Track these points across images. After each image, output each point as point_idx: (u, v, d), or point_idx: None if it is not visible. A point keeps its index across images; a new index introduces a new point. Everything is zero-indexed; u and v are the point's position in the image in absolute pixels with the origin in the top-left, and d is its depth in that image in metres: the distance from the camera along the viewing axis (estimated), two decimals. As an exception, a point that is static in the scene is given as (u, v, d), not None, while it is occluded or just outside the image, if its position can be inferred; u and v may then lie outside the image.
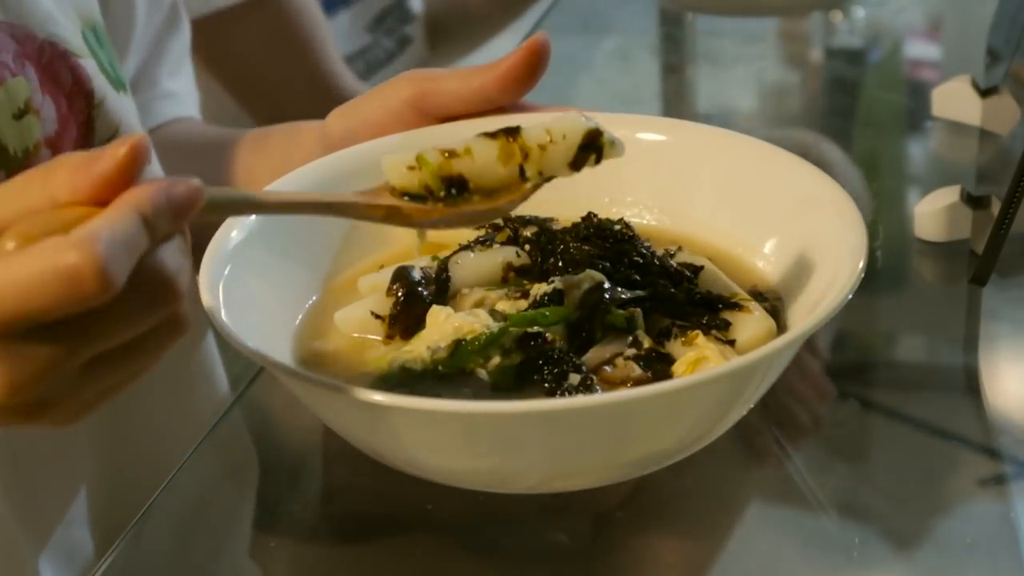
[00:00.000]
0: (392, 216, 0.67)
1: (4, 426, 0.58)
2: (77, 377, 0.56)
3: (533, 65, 0.78)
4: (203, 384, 0.97)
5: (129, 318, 0.55)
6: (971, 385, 0.88)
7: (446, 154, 0.67)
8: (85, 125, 0.85)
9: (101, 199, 0.55)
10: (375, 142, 0.81)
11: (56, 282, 0.52)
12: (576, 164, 0.67)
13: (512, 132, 0.67)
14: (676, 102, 1.35)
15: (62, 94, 0.83)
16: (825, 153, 1.15)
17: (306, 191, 0.77)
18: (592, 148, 0.67)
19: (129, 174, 0.55)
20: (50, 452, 0.85)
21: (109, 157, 0.54)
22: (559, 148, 0.67)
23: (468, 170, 0.67)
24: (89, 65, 0.85)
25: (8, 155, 0.81)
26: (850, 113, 1.31)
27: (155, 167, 0.91)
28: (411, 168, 0.67)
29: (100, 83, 0.86)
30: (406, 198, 0.67)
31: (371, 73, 1.48)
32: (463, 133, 0.81)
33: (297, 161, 0.80)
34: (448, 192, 0.67)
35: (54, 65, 0.83)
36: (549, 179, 0.68)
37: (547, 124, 0.67)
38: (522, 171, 0.67)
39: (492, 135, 0.67)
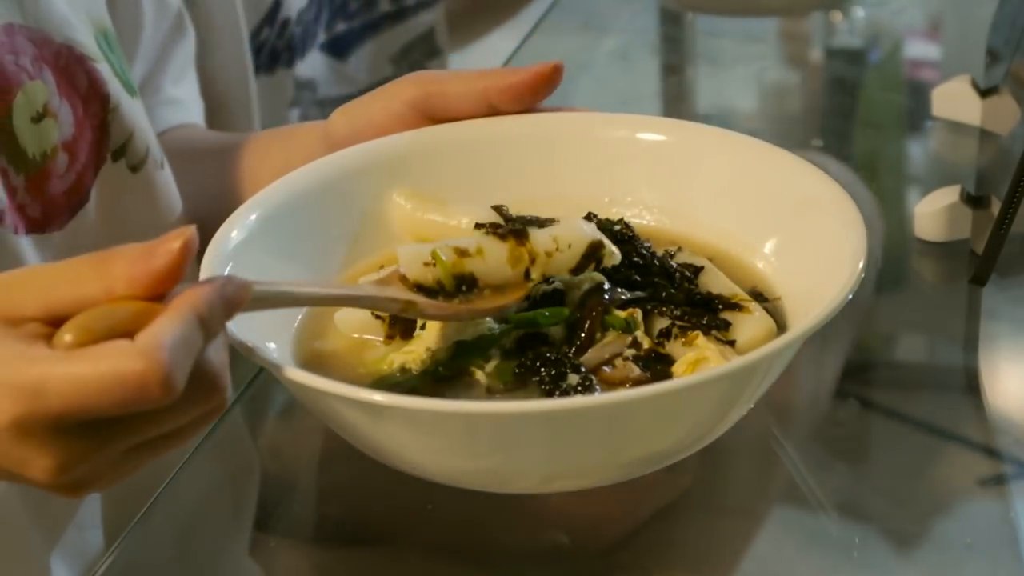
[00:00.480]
0: (409, 308, 0.70)
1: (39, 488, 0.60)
2: (119, 458, 0.58)
3: (539, 89, 0.80)
4: None
5: (177, 413, 0.57)
6: (971, 385, 0.88)
7: (459, 252, 0.70)
8: (100, 129, 0.86)
9: (157, 293, 0.57)
10: (379, 141, 0.82)
11: (121, 388, 0.54)
12: (577, 270, 0.72)
13: (520, 236, 0.71)
14: (676, 102, 1.35)
15: (78, 97, 0.84)
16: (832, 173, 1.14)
17: (310, 189, 0.78)
18: (593, 257, 0.72)
19: (183, 268, 0.57)
20: None
21: (165, 252, 0.56)
22: (564, 256, 0.71)
23: (478, 269, 0.71)
24: (104, 69, 0.85)
25: (27, 158, 0.81)
26: (850, 113, 1.31)
27: (166, 173, 0.91)
28: (426, 264, 0.70)
29: (115, 87, 0.86)
30: (416, 288, 0.70)
31: None
32: (463, 134, 0.82)
33: (297, 161, 0.81)
34: (458, 288, 0.70)
35: (71, 69, 0.83)
36: (550, 279, 0.72)
37: (554, 233, 0.71)
38: (527, 273, 0.71)
39: (502, 236, 0.71)
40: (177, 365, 0.54)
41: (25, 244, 0.81)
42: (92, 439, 0.56)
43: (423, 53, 1.45)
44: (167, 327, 0.55)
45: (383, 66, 1.42)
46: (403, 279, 0.70)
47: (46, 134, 0.82)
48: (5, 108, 0.79)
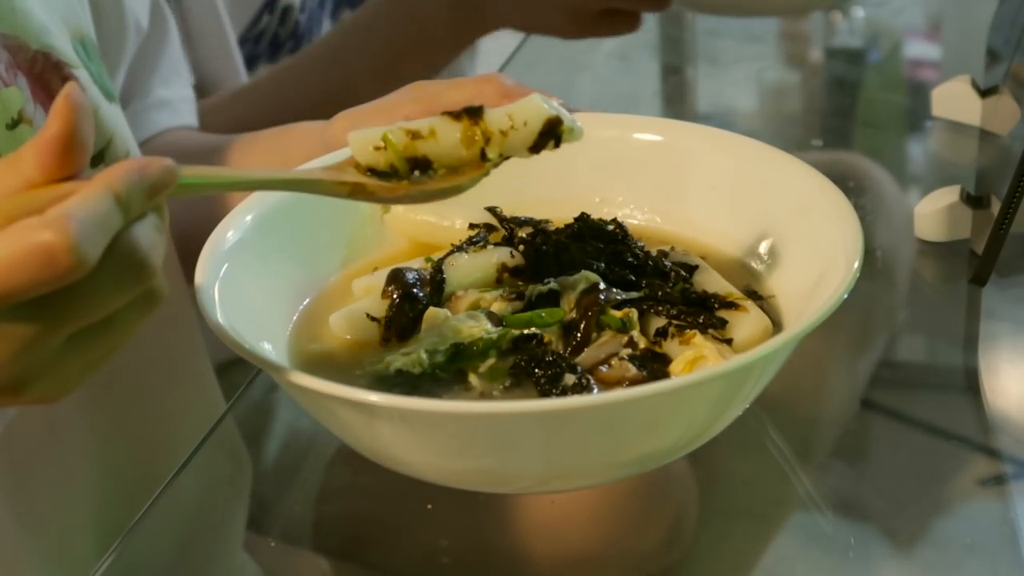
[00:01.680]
0: (357, 192, 0.67)
1: None
2: (57, 353, 0.57)
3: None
4: (196, 391, 0.97)
5: (104, 295, 0.56)
6: (971, 385, 0.88)
7: (411, 135, 0.68)
8: None
9: (69, 167, 0.56)
10: None
11: (31, 260, 0.53)
12: (536, 148, 0.68)
13: (475, 115, 0.68)
14: (676, 102, 1.35)
15: (52, 101, 0.84)
16: (869, 173, 1.14)
17: None
18: (552, 135, 0.68)
19: (75, 126, 0.55)
20: (49, 458, 0.85)
21: (53, 117, 0.55)
22: (520, 134, 0.68)
23: (432, 152, 0.68)
24: (82, 75, 0.85)
25: None
26: (850, 113, 1.31)
27: None
28: (377, 148, 0.68)
29: (93, 93, 0.86)
30: (370, 173, 0.67)
31: None
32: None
33: (296, 159, 0.80)
34: (412, 171, 0.68)
35: (46, 75, 0.83)
36: (508, 158, 0.69)
37: (509, 110, 0.68)
38: (483, 153, 0.68)
39: (456, 116, 0.68)
40: (86, 235, 0.53)
41: None
42: (22, 326, 0.55)
43: None
44: (76, 201, 0.54)
45: None
46: (357, 166, 0.68)
47: (21, 141, 0.81)
48: None
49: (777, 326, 0.72)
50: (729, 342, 0.71)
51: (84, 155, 0.56)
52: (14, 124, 0.81)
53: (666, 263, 0.75)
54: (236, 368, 0.86)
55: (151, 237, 0.57)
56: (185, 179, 0.59)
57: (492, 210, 0.79)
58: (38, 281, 0.54)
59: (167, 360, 0.94)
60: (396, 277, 0.74)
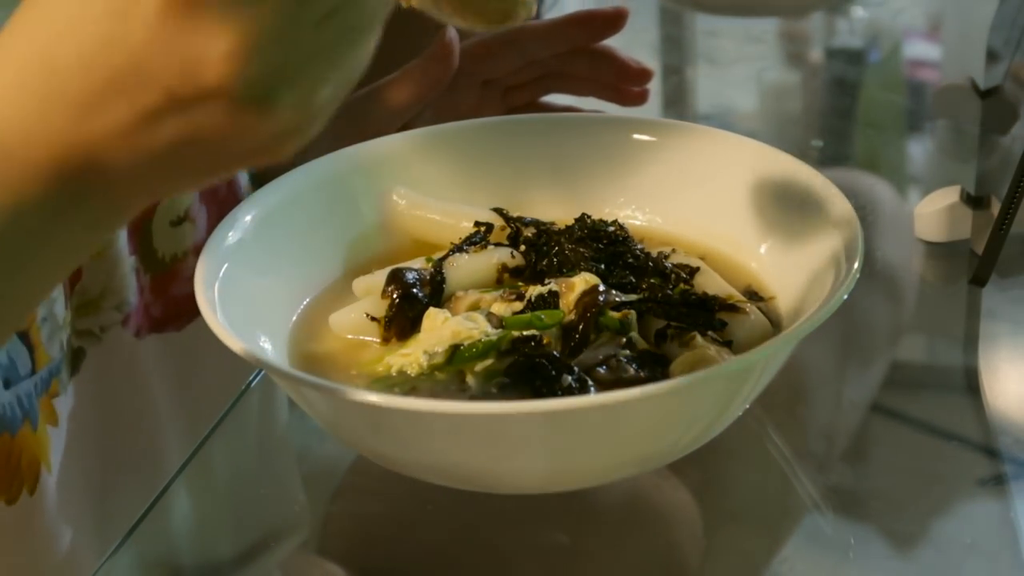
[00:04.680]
0: None
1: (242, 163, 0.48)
2: (307, 48, 0.45)
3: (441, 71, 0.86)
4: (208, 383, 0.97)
5: None
6: (971, 385, 0.88)
7: None
8: None
9: None
10: (377, 141, 0.83)
11: None
12: None
13: None
14: (676, 102, 1.35)
15: (215, 203, 0.84)
16: (873, 190, 1.14)
17: (308, 188, 0.79)
18: None
19: None
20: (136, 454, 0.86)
21: None
22: None
23: None
24: (241, 174, 0.86)
25: (156, 259, 0.82)
26: (850, 113, 1.31)
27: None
28: None
29: (247, 192, 0.87)
30: None
31: None
32: (461, 134, 0.82)
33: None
34: None
35: None
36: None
37: None
38: None
39: None
40: None
41: (143, 345, 0.83)
42: None
43: None
44: None
45: None
46: None
47: (181, 238, 0.82)
48: (151, 211, 0.80)
49: (777, 327, 0.72)
50: (729, 344, 0.71)
51: None
52: (179, 222, 0.82)
53: (666, 264, 0.75)
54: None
55: None
56: None
57: (498, 210, 0.80)
58: None
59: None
60: (396, 277, 0.74)
